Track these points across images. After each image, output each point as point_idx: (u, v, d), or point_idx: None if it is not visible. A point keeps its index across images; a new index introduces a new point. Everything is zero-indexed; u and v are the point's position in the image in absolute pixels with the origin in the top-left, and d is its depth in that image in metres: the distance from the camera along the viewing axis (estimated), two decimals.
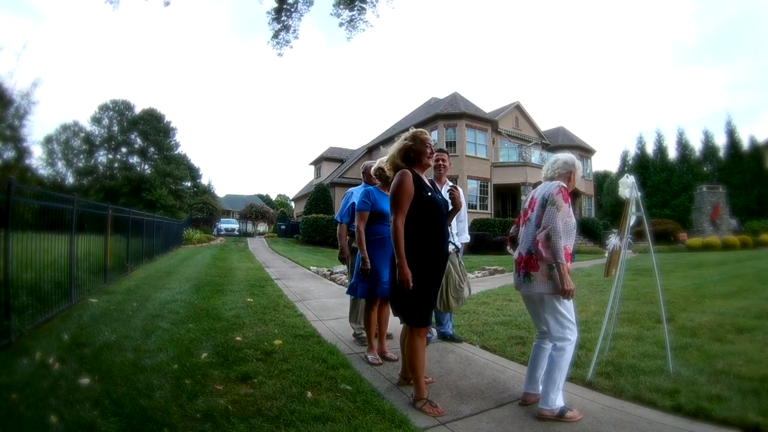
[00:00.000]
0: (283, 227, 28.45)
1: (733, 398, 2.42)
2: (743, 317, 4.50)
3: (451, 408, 2.41)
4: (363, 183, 3.96)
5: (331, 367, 2.93)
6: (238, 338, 3.57)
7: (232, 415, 2.16)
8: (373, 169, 3.45)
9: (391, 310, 2.75)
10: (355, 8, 6.38)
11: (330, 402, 2.35)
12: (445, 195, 2.78)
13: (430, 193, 2.46)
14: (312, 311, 5.06)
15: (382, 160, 3.31)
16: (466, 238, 3.94)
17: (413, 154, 2.51)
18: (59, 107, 68.58)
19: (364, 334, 3.67)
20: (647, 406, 2.41)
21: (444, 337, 3.83)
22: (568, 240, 2.29)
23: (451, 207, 2.74)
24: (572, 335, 2.33)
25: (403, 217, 2.36)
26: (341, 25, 6.46)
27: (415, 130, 2.59)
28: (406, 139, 2.53)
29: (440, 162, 3.68)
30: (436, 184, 3.63)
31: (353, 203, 3.81)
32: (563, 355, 2.30)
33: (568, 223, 2.29)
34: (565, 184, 2.40)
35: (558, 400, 2.27)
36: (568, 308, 2.34)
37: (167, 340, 3.45)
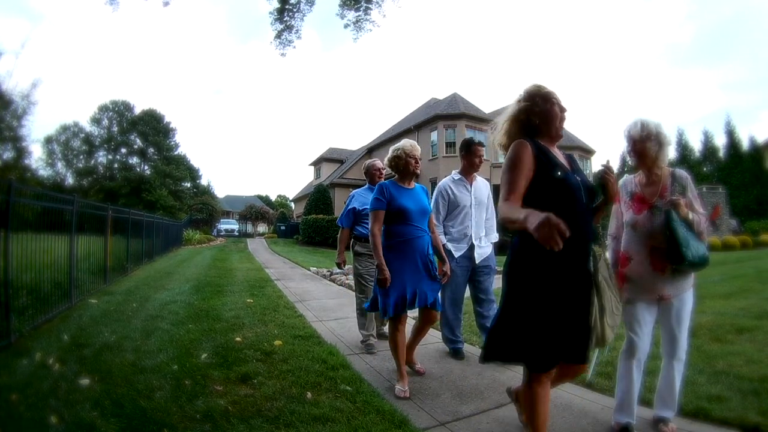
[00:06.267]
0: (282, 228, 28.46)
1: (733, 398, 2.42)
2: (743, 317, 4.50)
3: (451, 408, 2.41)
4: (367, 184, 3.87)
5: (330, 367, 2.92)
6: (237, 339, 3.57)
7: (232, 415, 2.16)
8: (387, 158, 2.91)
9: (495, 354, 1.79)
10: (361, 9, 6.36)
11: (330, 402, 2.35)
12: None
13: (560, 173, 1.70)
14: (312, 312, 5.06)
15: (397, 147, 2.84)
16: (495, 237, 3.56)
17: (537, 119, 1.78)
18: (59, 107, 68.78)
19: (372, 341, 3.57)
20: (647, 406, 2.40)
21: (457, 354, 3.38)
22: (625, 242, 2.11)
23: (600, 198, 1.88)
24: (625, 345, 2.14)
25: (516, 199, 1.63)
26: (347, 26, 6.44)
27: (532, 85, 1.83)
28: (520, 101, 1.82)
29: (481, 157, 3.38)
30: (464, 182, 3.41)
31: (353, 208, 3.70)
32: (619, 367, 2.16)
33: (625, 223, 2.09)
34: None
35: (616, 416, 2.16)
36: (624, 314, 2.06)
37: (167, 341, 3.45)
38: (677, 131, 34.76)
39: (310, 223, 20.31)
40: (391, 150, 2.87)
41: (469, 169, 3.40)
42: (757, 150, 30.96)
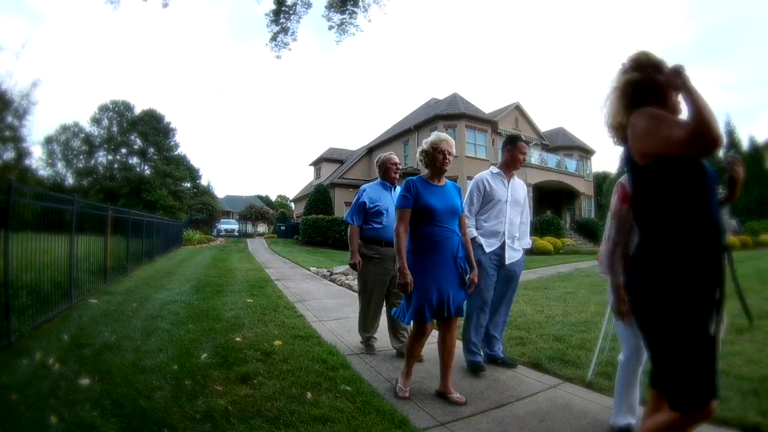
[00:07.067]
0: (282, 228, 28.45)
1: (733, 398, 2.41)
2: (743, 317, 4.49)
3: (451, 408, 2.41)
4: (378, 179, 3.66)
5: (330, 367, 2.92)
6: (237, 339, 3.57)
7: (232, 415, 2.16)
8: (419, 150, 2.69)
9: None
10: (347, 12, 6.42)
11: (330, 403, 2.35)
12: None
13: None
14: (312, 312, 5.06)
15: (426, 140, 2.67)
16: (528, 243, 3.36)
17: (649, 95, 1.45)
18: (59, 107, 68.87)
19: (372, 341, 3.56)
20: (647, 406, 2.41)
21: (495, 361, 3.19)
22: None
23: (725, 191, 1.68)
24: (630, 351, 2.07)
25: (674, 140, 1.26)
26: (331, 28, 6.52)
27: (640, 53, 1.51)
28: (627, 71, 1.50)
29: (525, 154, 3.21)
30: (502, 177, 3.26)
31: (363, 203, 3.50)
32: (618, 371, 2.15)
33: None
34: (623, 181, 1.89)
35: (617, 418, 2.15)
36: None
37: (167, 341, 3.44)
38: None
39: (310, 223, 20.30)
40: (424, 142, 2.70)
41: (510, 164, 3.24)
42: (757, 150, 31.01)
